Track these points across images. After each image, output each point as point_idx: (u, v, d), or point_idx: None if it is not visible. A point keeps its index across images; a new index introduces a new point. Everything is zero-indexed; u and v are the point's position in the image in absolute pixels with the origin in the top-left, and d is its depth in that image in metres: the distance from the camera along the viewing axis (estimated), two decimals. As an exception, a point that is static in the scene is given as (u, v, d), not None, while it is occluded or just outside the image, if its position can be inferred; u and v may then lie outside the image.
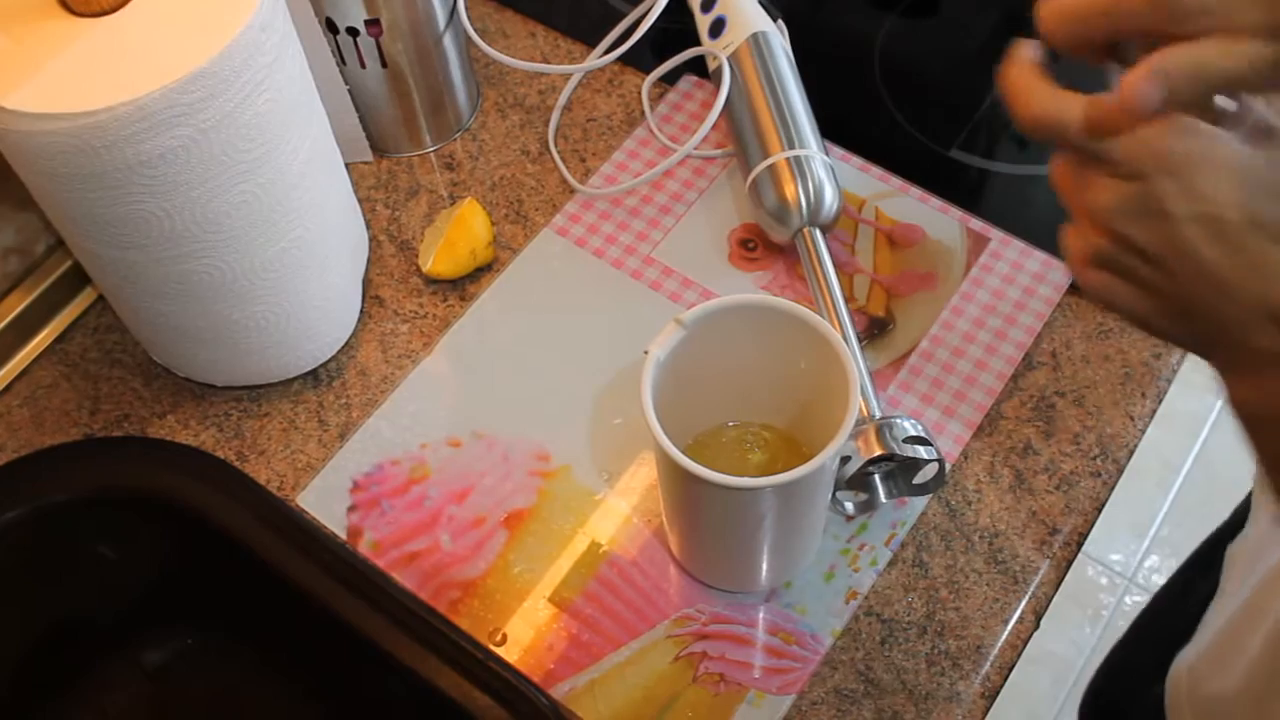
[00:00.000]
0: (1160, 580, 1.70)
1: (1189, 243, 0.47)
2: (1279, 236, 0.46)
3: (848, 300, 0.75)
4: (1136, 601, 1.69)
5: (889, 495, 0.70)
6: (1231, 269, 0.46)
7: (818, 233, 0.75)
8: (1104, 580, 1.72)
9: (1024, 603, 0.68)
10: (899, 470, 0.69)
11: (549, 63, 0.90)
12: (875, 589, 0.69)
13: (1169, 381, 0.76)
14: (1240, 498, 0.79)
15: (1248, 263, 0.46)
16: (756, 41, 0.81)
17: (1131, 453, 0.73)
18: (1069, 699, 1.62)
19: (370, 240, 0.82)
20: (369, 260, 0.81)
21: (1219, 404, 1.84)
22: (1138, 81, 0.46)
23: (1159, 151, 0.46)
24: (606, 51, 0.88)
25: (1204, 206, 0.46)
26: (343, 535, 0.71)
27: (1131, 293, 0.50)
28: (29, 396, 0.77)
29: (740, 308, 0.62)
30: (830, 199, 0.76)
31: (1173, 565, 1.71)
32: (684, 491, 0.62)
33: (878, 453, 0.65)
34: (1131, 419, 0.74)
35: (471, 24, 0.83)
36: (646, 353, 0.60)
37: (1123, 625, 1.68)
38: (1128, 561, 1.73)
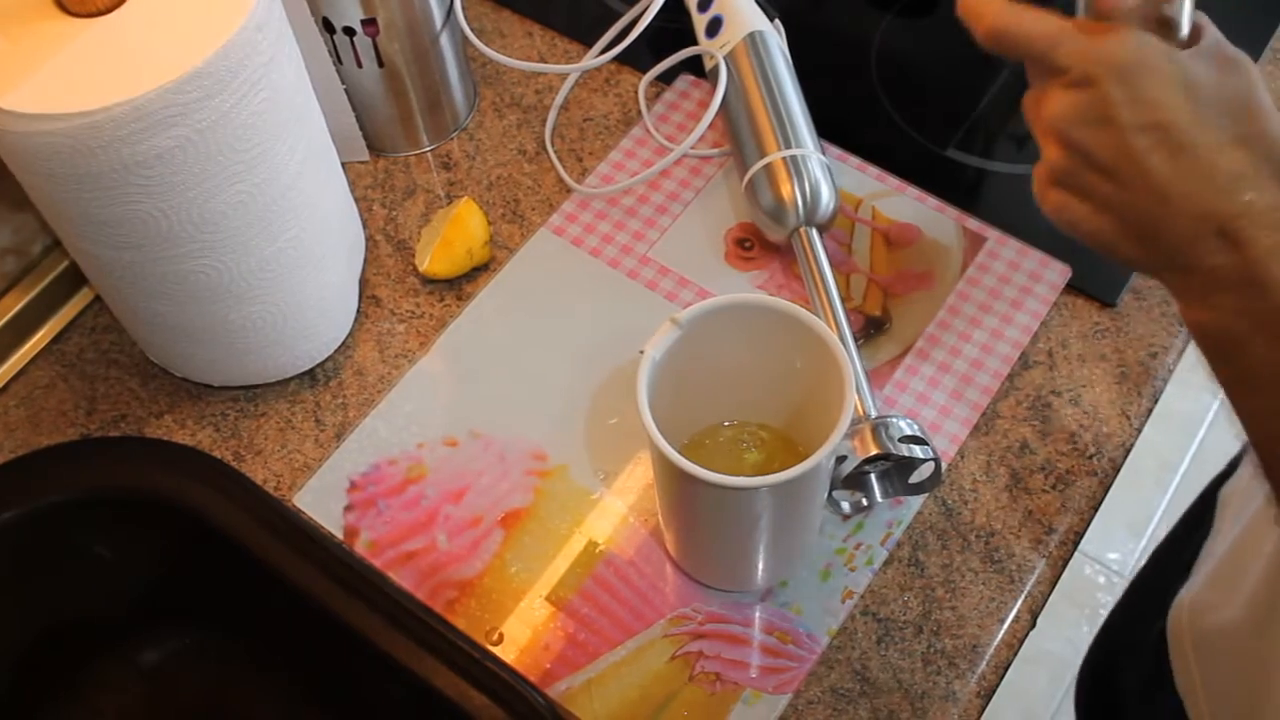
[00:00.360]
0: (1157, 579, 1.70)
1: (1137, 152, 0.47)
2: (1224, 148, 0.47)
3: (844, 299, 0.75)
4: (1134, 600, 1.69)
5: (885, 494, 0.70)
6: (1178, 180, 0.47)
7: (814, 232, 0.75)
8: (1101, 579, 1.72)
9: (1020, 602, 0.68)
10: (895, 469, 0.69)
11: (546, 62, 0.90)
12: (871, 588, 0.69)
13: (1165, 381, 0.76)
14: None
15: (1194, 174, 0.47)
16: (753, 41, 0.81)
17: (1128, 452, 0.73)
18: (1066, 697, 1.62)
19: (367, 240, 0.82)
20: (365, 260, 0.81)
21: (1216, 403, 1.84)
22: None
23: (1108, 56, 0.47)
24: (603, 51, 0.88)
25: (1151, 114, 0.47)
26: (339, 535, 0.71)
27: (1088, 211, 0.51)
28: (26, 397, 0.77)
29: (736, 307, 0.62)
30: (827, 198, 0.76)
31: (1170, 564, 1.71)
32: (680, 491, 0.62)
33: (874, 452, 0.65)
34: (1128, 418, 0.74)
35: (468, 23, 0.83)
36: (642, 352, 0.60)
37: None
38: (1125, 560, 1.73)
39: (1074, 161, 0.50)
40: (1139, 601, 0.93)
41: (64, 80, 0.58)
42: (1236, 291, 0.47)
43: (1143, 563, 1.71)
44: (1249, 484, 0.72)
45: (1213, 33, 0.50)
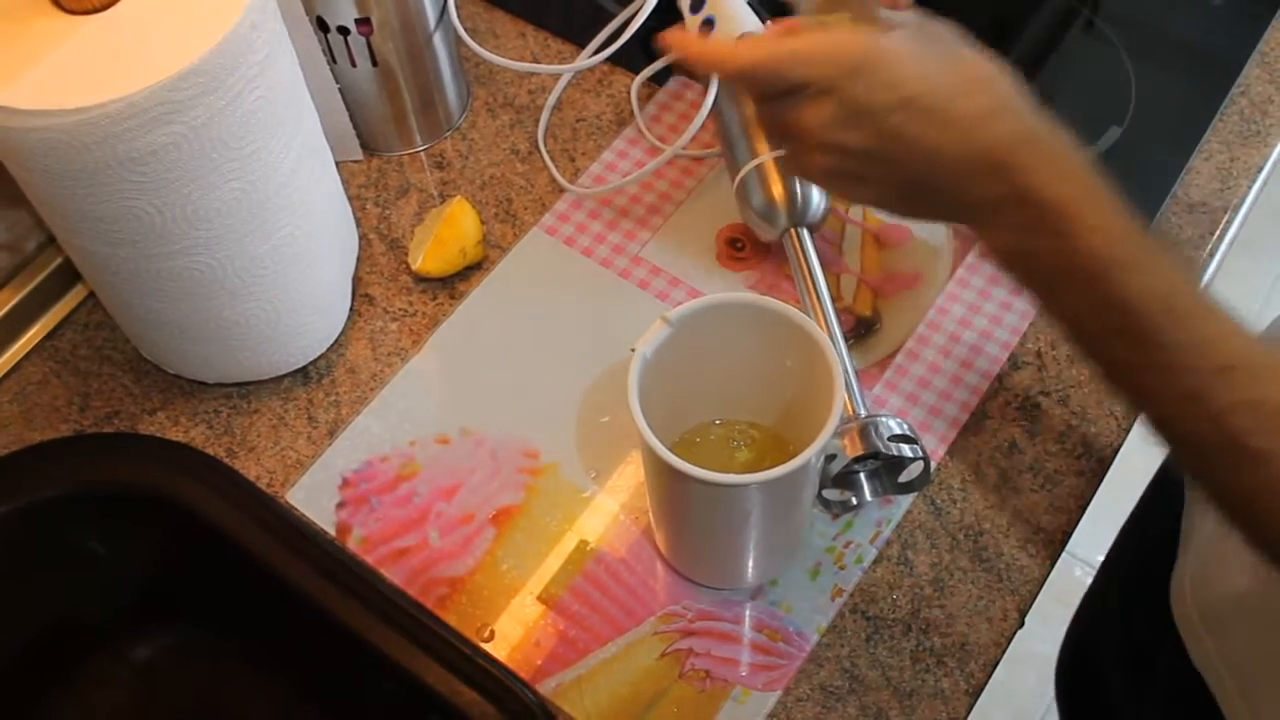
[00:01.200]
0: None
1: (896, 130, 0.53)
2: (961, 96, 0.53)
3: (834, 299, 0.75)
4: (1123, 602, 1.70)
5: (874, 493, 0.70)
6: (940, 138, 0.53)
7: (805, 232, 0.76)
8: (1089, 581, 1.72)
9: (1008, 600, 0.69)
10: (884, 468, 0.69)
11: (539, 63, 0.90)
12: (861, 586, 0.69)
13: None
14: None
15: (951, 127, 0.53)
16: (745, 42, 0.81)
17: (1116, 452, 0.74)
18: (1055, 698, 1.62)
19: (360, 238, 0.82)
20: (359, 258, 0.81)
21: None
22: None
23: (838, 61, 0.53)
24: (596, 51, 0.88)
25: (895, 94, 0.52)
26: (332, 532, 0.71)
27: (871, 191, 0.57)
28: (19, 393, 0.77)
29: (727, 306, 0.62)
30: (817, 199, 0.76)
31: (1159, 566, 1.71)
32: (671, 489, 0.62)
33: (863, 451, 0.65)
34: (1116, 418, 0.74)
35: (462, 23, 0.83)
36: (634, 351, 0.60)
37: (1109, 625, 1.67)
38: (1114, 562, 1.73)
39: (843, 159, 0.55)
40: (1112, 583, 0.94)
41: (59, 77, 0.58)
42: (1015, 210, 0.52)
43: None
44: None
45: (907, 14, 0.56)
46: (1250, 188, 0.84)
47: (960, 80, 0.53)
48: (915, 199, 0.56)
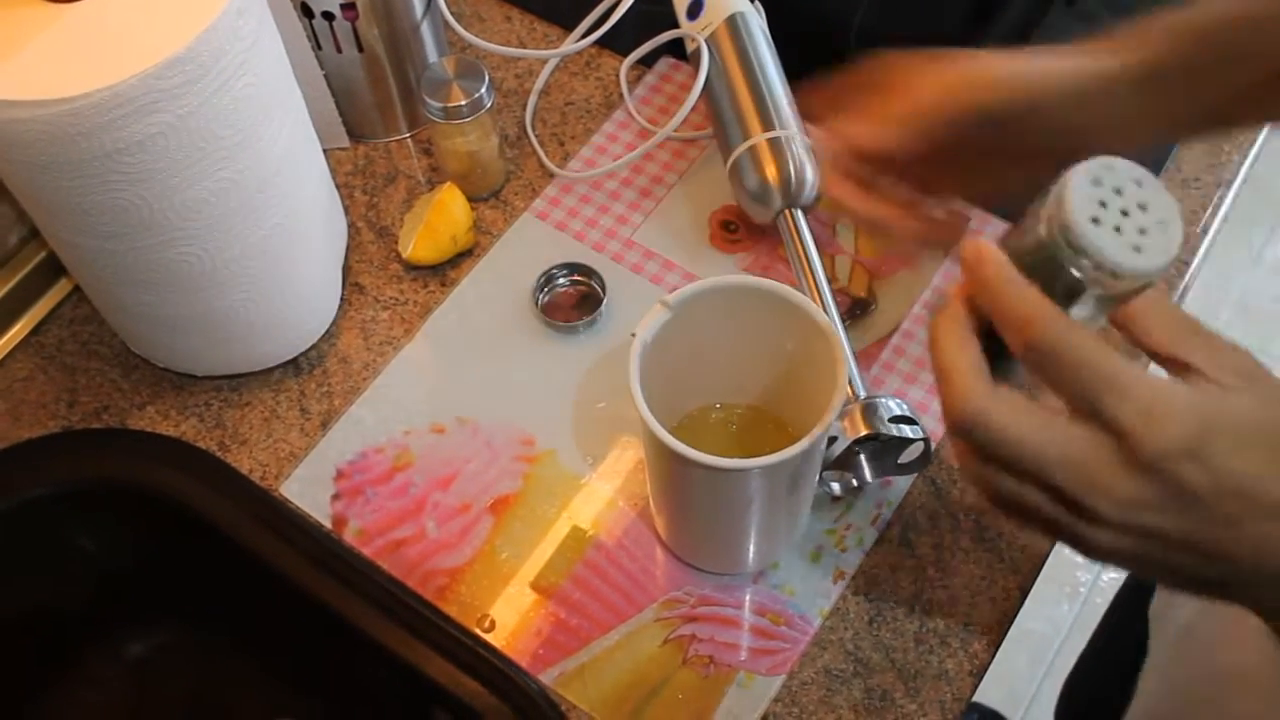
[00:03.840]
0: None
1: (1228, 519, 0.43)
2: None
3: (830, 281, 0.75)
4: (1113, 579, 1.71)
5: (875, 475, 0.70)
6: (1274, 527, 0.43)
7: (799, 213, 0.75)
8: (1079, 557, 1.73)
9: (1010, 579, 0.68)
10: (884, 450, 0.69)
11: (525, 47, 0.89)
12: (862, 569, 0.69)
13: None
14: None
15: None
16: (734, 23, 0.81)
17: (1113, 429, 0.74)
18: (1048, 677, 1.63)
19: (349, 227, 0.81)
20: (348, 247, 0.80)
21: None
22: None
23: (1175, 438, 0.42)
24: (584, 35, 0.87)
25: (1233, 482, 0.43)
26: (327, 524, 0.70)
27: (1167, 578, 0.48)
28: (5, 390, 0.76)
29: (726, 289, 0.62)
30: (811, 179, 0.75)
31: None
32: (672, 474, 0.62)
33: (863, 433, 0.65)
34: (1113, 396, 0.74)
35: (448, 7, 0.82)
36: (633, 336, 0.59)
37: (1100, 603, 1.68)
38: (1103, 539, 1.74)
39: (1151, 544, 0.45)
40: (1088, 688, 0.93)
41: (43, 66, 0.57)
42: None
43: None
44: (1165, 606, 0.73)
45: (1238, 358, 0.46)
46: (1242, 164, 0.84)
47: None
48: (1212, 586, 0.47)
